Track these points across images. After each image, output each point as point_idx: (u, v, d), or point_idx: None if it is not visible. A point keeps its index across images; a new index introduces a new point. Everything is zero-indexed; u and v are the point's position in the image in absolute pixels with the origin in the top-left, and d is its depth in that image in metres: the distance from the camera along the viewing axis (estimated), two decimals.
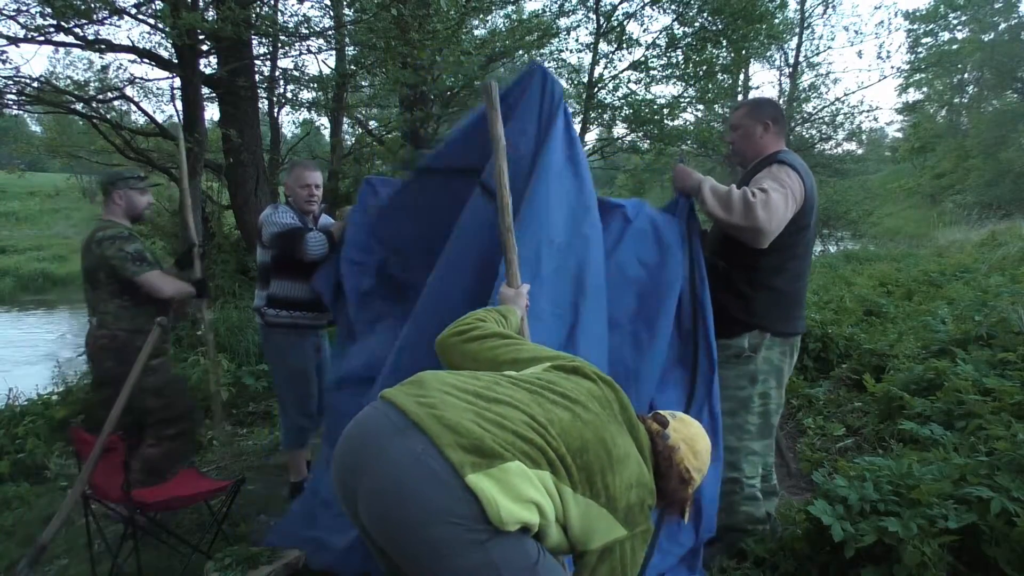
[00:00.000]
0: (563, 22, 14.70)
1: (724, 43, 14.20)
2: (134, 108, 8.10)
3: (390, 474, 1.28)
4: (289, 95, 8.52)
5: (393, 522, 1.28)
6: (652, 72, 14.88)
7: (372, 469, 1.31)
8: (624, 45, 14.86)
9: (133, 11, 5.94)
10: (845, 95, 31.78)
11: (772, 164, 2.52)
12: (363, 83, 9.54)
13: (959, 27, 29.05)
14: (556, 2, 14.76)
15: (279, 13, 7.48)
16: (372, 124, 12.70)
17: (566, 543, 1.41)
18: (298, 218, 3.32)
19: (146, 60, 6.58)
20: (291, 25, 7.52)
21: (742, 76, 20.00)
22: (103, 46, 6.04)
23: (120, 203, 3.21)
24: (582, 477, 1.35)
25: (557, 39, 14.22)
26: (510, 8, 13.27)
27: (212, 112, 8.11)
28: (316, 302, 3.33)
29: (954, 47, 28.59)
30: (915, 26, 28.44)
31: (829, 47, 38.56)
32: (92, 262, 3.08)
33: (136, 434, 3.17)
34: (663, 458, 1.52)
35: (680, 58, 14.74)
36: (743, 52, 14.76)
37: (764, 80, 78.88)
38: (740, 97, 19.29)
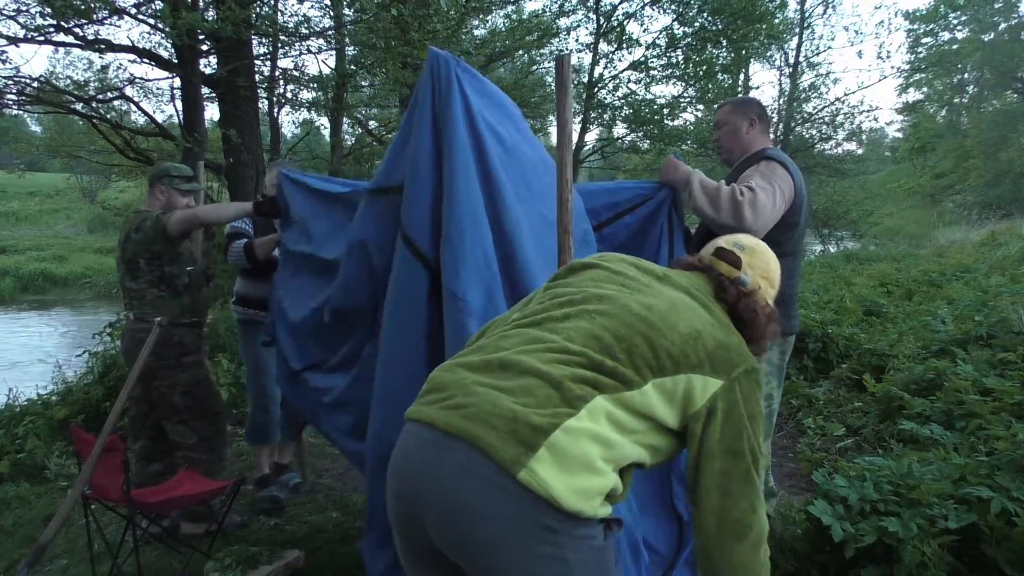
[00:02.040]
0: (563, 22, 14.74)
1: (724, 43, 14.21)
2: (134, 108, 8.09)
3: (449, 499, 1.17)
4: (289, 95, 8.50)
5: (474, 545, 1.17)
6: (652, 72, 14.90)
7: (432, 500, 1.19)
8: (624, 45, 14.87)
9: (133, 11, 5.94)
10: (845, 95, 31.78)
11: (760, 161, 2.49)
12: (363, 83, 9.52)
13: (959, 27, 29.14)
14: (556, 2, 14.78)
15: (279, 13, 7.48)
16: (372, 124, 12.69)
17: (669, 440, 1.30)
18: (251, 223, 3.41)
19: (146, 60, 6.57)
20: (291, 25, 7.51)
21: (742, 76, 19.98)
22: (103, 46, 6.03)
23: (160, 198, 3.13)
24: (633, 367, 1.22)
25: (557, 39, 14.24)
26: (510, 8, 13.29)
27: (212, 112, 8.10)
28: None
29: (954, 47, 28.63)
30: (915, 26, 28.50)
31: (829, 47, 38.54)
32: (133, 250, 2.99)
33: (152, 431, 3.13)
34: (746, 307, 1.37)
35: (680, 58, 14.76)
36: (743, 52, 14.77)
37: (764, 80, 79.34)
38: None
